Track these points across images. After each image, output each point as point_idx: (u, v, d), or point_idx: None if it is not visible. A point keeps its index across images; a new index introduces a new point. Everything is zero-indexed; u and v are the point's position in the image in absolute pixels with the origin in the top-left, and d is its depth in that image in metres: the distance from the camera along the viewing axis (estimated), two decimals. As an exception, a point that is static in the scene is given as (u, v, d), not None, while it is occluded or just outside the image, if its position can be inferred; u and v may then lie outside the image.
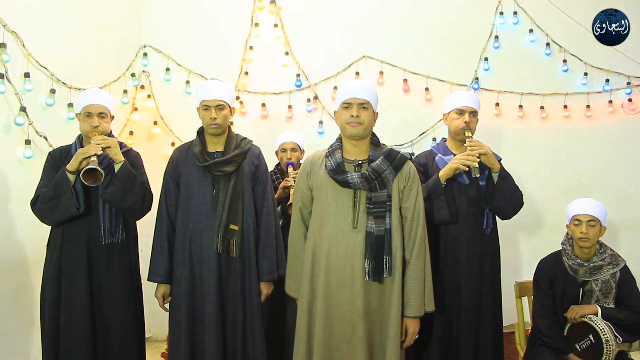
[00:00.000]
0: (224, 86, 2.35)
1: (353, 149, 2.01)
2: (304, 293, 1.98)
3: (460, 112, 2.41)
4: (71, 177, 2.17)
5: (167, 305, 2.35)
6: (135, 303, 2.40)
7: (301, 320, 1.97)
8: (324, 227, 1.95)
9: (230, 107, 2.35)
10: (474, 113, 2.42)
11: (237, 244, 2.27)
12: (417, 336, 1.98)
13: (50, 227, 2.33)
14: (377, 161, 1.95)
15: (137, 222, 2.47)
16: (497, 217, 2.48)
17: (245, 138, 2.44)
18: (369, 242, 1.89)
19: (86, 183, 2.09)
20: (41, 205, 2.19)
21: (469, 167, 2.24)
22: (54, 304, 2.25)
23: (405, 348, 2.00)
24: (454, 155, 2.42)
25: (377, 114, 2.06)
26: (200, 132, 2.41)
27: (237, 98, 3.68)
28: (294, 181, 2.78)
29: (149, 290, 2.47)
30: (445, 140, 2.54)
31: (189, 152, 2.36)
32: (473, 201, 2.39)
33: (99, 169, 2.08)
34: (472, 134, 2.38)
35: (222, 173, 2.29)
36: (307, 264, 1.99)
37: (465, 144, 2.33)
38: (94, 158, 2.13)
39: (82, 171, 2.08)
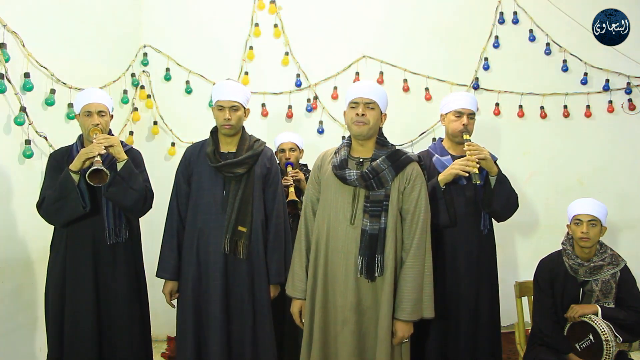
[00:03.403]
0: (240, 87, 2.35)
1: (360, 148, 2.04)
2: (309, 282, 2.05)
3: (459, 114, 2.40)
4: (75, 177, 2.16)
5: (174, 302, 2.36)
6: (141, 302, 2.40)
7: (307, 308, 2.05)
8: (326, 220, 2.00)
9: (244, 108, 2.35)
10: (471, 115, 2.42)
11: (245, 245, 2.27)
12: (406, 341, 1.96)
13: (53, 227, 2.33)
14: (378, 160, 1.96)
15: (140, 221, 2.48)
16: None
17: (258, 140, 2.43)
18: (363, 239, 1.92)
19: (92, 183, 2.09)
20: (47, 207, 2.19)
21: (469, 173, 2.24)
22: (58, 304, 2.25)
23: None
24: (451, 155, 2.42)
25: (385, 115, 2.06)
26: (214, 131, 2.41)
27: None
28: (293, 180, 2.80)
29: (151, 290, 2.47)
30: (442, 140, 2.54)
31: (202, 152, 2.36)
32: (470, 202, 2.39)
33: (105, 170, 2.08)
34: (470, 136, 2.38)
35: (233, 174, 2.29)
36: (312, 254, 2.05)
37: (464, 148, 2.32)
38: (98, 158, 2.12)
39: (88, 172, 2.07)
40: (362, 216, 1.94)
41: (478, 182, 2.24)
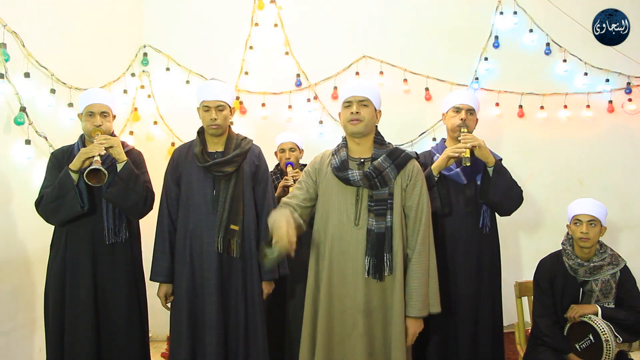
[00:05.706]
0: (224, 87, 2.35)
1: (357, 148, 2.03)
2: (309, 288, 2.03)
3: (457, 109, 2.42)
4: (74, 176, 2.17)
5: (169, 305, 2.36)
6: (140, 302, 2.40)
7: (307, 314, 2.02)
8: (328, 223, 1.98)
9: (230, 107, 2.35)
10: (471, 111, 2.42)
11: (238, 244, 2.27)
12: (417, 336, 1.97)
13: (53, 227, 2.33)
14: (379, 159, 1.97)
15: (139, 222, 2.47)
16: (496, 217, 2.47)
17: (245, 138, 2.44)
18: (369, 239, 1.91)
19: (90, 183, 2.09)
20: (46, 205, 2.19)
21: (459, 154, 2.25)
22: (58, 303, 2.25)
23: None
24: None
25: (380, 112, 2.07)
26: (201, 132, 2.41)
27: (237, 98, 3.68)
28: (294, 180, 2.80)
29: (150, 290, 2.47)
30: (445, 141, 2.55)
31: (190, 152, 2.37)
32: (470, 201, 2.39)
33: (103, 170, 2.08)
34: (470, 132, 2.38)
35: (222, 173, 2.29)
36: (311, 259, 2.04)
37: (460, 138, 2.34)
38: (97, 158, 2.12)
39: (86, 171, 2.07)
40: (367, 216, 1.93)
41: (468, 164, 2.26)
